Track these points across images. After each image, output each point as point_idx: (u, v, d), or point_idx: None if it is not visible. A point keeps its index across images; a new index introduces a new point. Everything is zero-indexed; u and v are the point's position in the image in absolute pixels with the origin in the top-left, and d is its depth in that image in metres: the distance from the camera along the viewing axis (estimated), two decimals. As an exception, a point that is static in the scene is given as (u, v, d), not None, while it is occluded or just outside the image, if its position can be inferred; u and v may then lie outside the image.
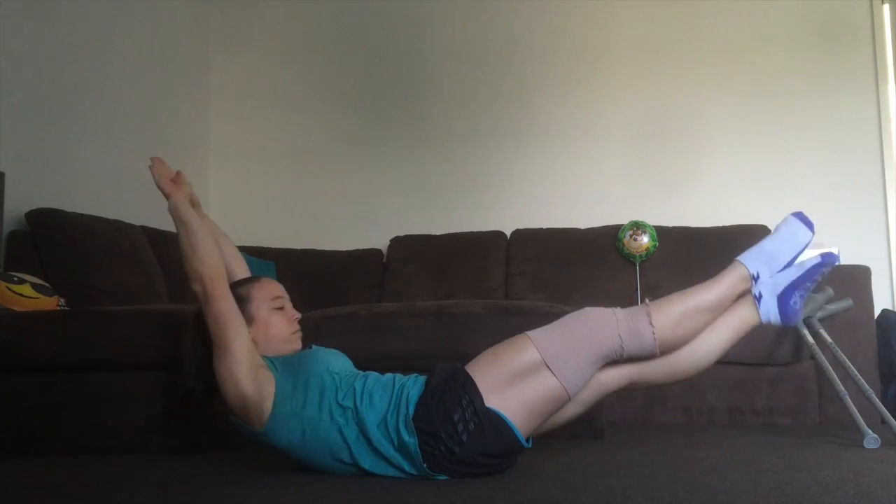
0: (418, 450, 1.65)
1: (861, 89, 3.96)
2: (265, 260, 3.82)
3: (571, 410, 1.80)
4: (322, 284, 3.85)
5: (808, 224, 1.90)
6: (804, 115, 4.00)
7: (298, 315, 1.93)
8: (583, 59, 4.23)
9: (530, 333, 1.73)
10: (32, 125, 3.02)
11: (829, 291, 2.89)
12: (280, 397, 1.70)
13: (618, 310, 1.78)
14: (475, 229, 4.02)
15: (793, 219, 1.93)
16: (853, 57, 3.99)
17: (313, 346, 1.96)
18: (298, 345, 1.92)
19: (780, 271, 1.88)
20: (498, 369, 1.69)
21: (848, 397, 2.51)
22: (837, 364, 2.69)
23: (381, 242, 4.14)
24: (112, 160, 3.49)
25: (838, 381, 2.59)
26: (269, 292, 1.91)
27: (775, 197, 3.97)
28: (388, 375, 1.80)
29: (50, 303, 2.58)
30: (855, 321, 3.03)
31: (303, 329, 2.65)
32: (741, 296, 1.89)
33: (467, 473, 1.69)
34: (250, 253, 3.80)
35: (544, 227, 3.96)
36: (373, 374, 1.80)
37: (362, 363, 1.99)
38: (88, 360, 2.31)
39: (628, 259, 3.77)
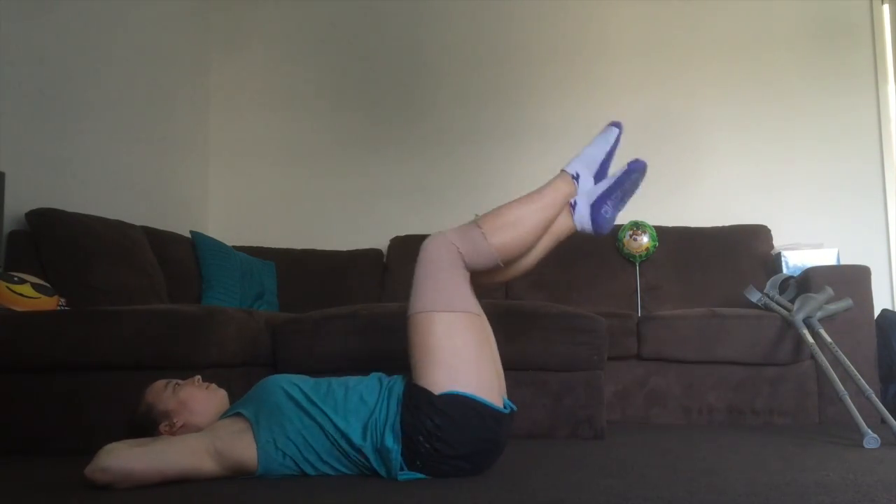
0: (399, 456, 1.67)
1: (861, 89, 3.97)
2: (265, 260, 3.82)
3: (526, 263, 1.95)
4: (322, 284, 3.85)
5: (617, 124, 2.06)
6: (804, 115, 4.01)
7: (197, 377, 1.90)
8: (582, 58, 4.23)
9: (410, 311, 1.77)
10: (32, 125, 3.02)
11: (829, 291, 2.89)
12: (258, 432, 1.71)
13: (450, 230, 1.84)
14: (475, 229, 4.02)
15: (606, 126, 2.07)
16: (853, 57, 3.99)
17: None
18: (222, 392, 1.89)
19: (597, 180, 2.00)
20: (429, 358, 1.71)
21: (848, 397, 2.51)
22: (837, 364, 2.69)
23: (381, 242, 4.13)
24: (112, 160, 3.49)
25: (838, 381, 2.59)
26: (157, 389, 1.84)
27: (775, 197, 3.97)
28: (373, 375, 1.84)
29: (50, 303, 2.58)
30: (855, 321, 3.03)
31: (303, 330, 2.67)
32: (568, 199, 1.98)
33: (462, 467, 1.71)
34: (250, 253, 3.80)
35: (544, 227, 3.96)
36: (350, 378, 1.82)
37: (363, 363, 1.99)
38: (88, 360, 2.31)
39: (628, 259, 3.77)
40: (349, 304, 2.89)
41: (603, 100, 4.17)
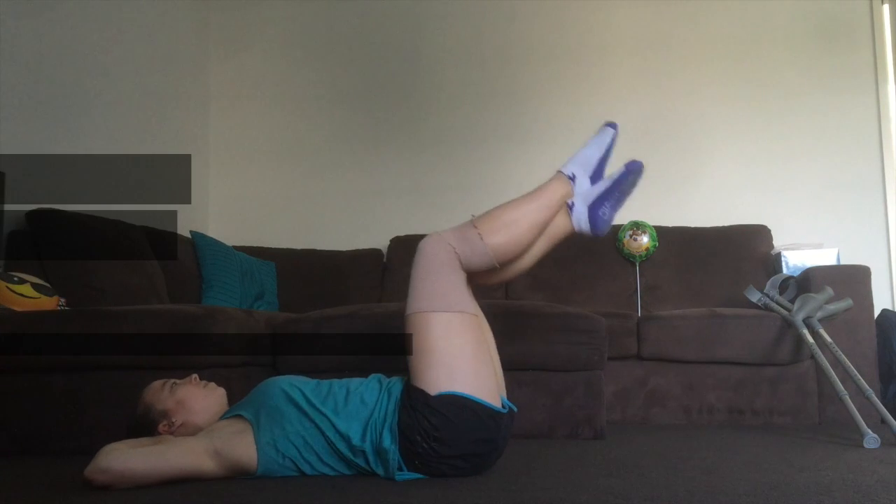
0: (397, 455, 1.68)
1: (861, 89, 3.97)
2: (265, 260, 3.82)
3: (524, 264, 1.93)
4: (322, 284, 3.85)
5: (612, 125, 2.06)
6: (804, 115, 4.01)
7: (194, 375, 1.90)
8: (583, 58, 4.23)
9: (408, 311, 1.76)
10: (32, 125, 3.02)
11: (829, 291, 2.89)
12: (258, 433, 1.72)
13: (446, 230, 1.83)
14: (475, 229, 4.02)
15: (602, 127, 2.07)
16: (853, 57, 3.99)
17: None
18: (220, 390, 1.89)
19: (594, 181, 2.00)
20: (427, 358, 1.71)
21: (848, 397, 2.51)
22: (837, 364, 2.69)
23: (381, 242, 4.13)
24: (112, 160, 3.49)
25: (838, 381, 2.59)
26: (154, 389, 1.85)
27: (775, 197, 3.97)
28: (372, 377, 1.83)
29: (50, 303, 2.58)
30: (855, 321, 3.03)
31: (303, 330, 2.67)
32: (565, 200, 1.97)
33: (460, 467, 1.71)
34: (250, 253, 3.81)
35: (544, 227, 3.96)
36: (352, 380, 1.83)
37: (362, 363, 1.99)
38: (88, 360, 2.31)
39: (628, 259, 3.77)
40: (349, 304, 2.89)
41: (603, 100, 4.17)
